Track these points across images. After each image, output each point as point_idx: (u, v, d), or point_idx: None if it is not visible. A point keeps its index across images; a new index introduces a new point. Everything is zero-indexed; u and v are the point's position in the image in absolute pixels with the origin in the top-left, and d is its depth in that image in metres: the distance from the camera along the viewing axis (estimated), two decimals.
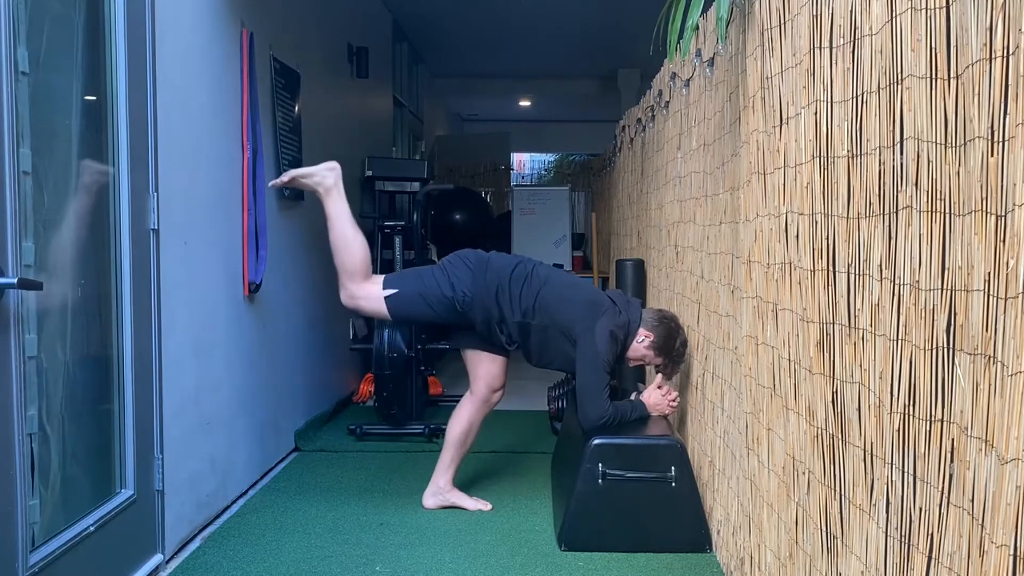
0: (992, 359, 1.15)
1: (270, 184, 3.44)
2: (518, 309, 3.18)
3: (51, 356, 2.28)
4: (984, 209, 1.18)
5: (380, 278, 3.27)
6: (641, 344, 3.24)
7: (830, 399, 1.74)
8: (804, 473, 1.90)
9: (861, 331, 1.58)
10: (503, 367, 3.37)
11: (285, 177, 3.23)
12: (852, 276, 1.62)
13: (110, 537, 2.49)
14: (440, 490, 3.42)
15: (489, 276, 3.20)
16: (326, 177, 3.21)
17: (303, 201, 4.39)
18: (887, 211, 1.47)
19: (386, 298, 3.20)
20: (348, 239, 3.21)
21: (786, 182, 1.98)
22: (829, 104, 1.72)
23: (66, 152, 2.40)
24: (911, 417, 1.40)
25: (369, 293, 3.22)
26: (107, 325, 2.59)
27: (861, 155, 1.58)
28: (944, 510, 1.29)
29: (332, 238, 3.24)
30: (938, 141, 1.31)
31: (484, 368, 3.34)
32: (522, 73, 10.28)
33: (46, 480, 2.25)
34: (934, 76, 1.33)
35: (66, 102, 2.41)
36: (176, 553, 2.91)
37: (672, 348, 3.25)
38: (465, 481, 3.60)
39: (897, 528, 1.45)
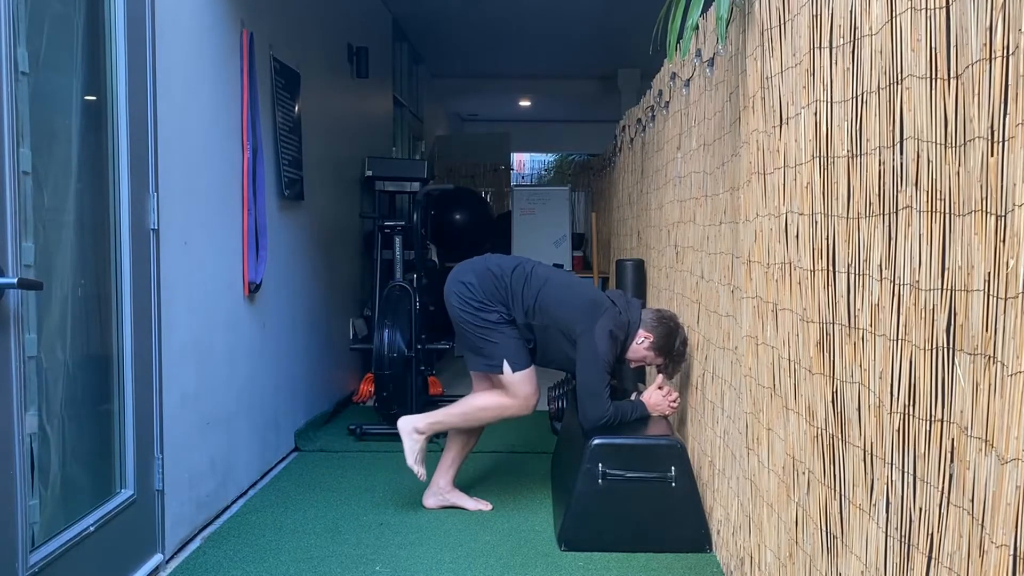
0: (992, 359, 1.15)
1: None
2: (520, 310, 3.18)
3: (51, 356, 2.28)
4: (984, 209, 1.18)
5: (495, 372, 3.22)
6: (641, 345, 3.24)
7: (830, 399, 1.74)
8: (804, 473, 1.90)
9: (861, 331, 1.58)
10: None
11: (420, 470, 3.25)
12: (852, 276, 1.62)
13: (110, 537, 2.49)
14: (440, 490, 3.42)
15: (497, 281, 3.20)
16: (411, 436, 3.24)
17: (303, 201, 4.40)
18: (887, 211, 1.47)
19: (515, 375, 3.17)
20: (469, 414, 3.30)
21: (786, 182, 1.98)
22: (829, 104, 1.72)
23: (66, 152, 2.40)
24: (911, 417, 1.40)
25: (516, 387, 3.19)
26: (107, 325, 2.59)
27: (861, 155, 1.58)
28: (944, 510, 1.29)
29: (469, 426, 3.37)
30: (938, 141, 1.31)
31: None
32: (522, 73, 10.27)
33: (46, 480, 2.25)
34: (934, 76, 1.33)
35: (66, 102, 2.41)
36: (176, 553, 2.91)
37: (672, 348, 3.24)
38: (465, 481, 3.60)
39: (897, 528, 1.45)
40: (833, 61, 1.70)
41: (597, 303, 3.21)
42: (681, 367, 3.33)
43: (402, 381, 4.59)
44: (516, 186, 9.74)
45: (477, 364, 3.27)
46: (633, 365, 3.40)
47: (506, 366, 3.17)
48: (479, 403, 3.29)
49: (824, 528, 1.79)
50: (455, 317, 3.25)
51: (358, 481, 3.77)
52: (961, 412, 1.24)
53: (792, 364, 1.97)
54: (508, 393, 3.20)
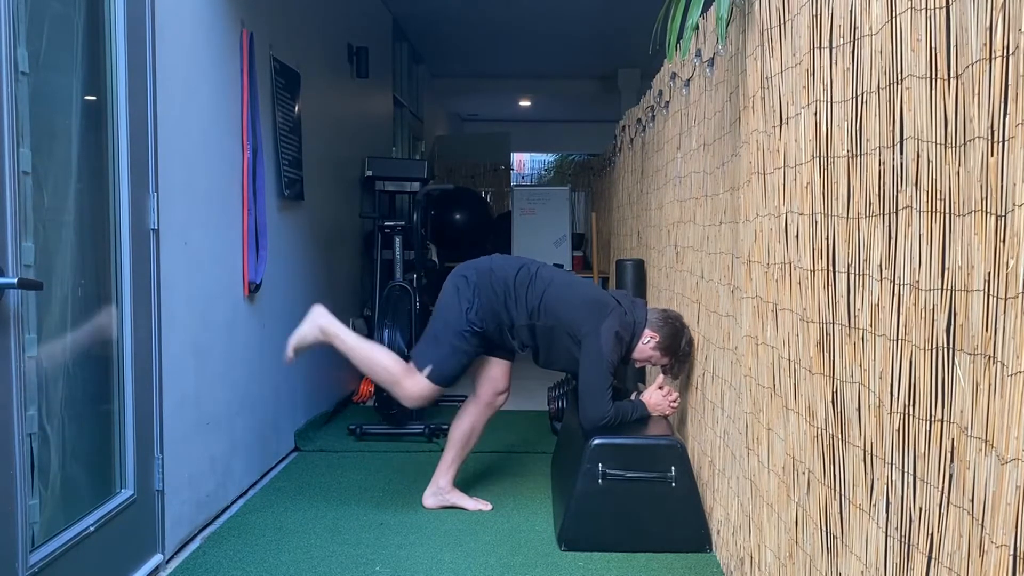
0: (992, 359, 1.15)
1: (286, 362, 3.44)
2: (524, 311, 3.19)
3: (51, 356, 2.28)
4: (984, 209, 1.18)
5: (417, 366, 3.24)
6: (647, 345, 3.24)
7: (830, 399, 1.74)
8: (804, 473, 1.90)
9: (861, 331, 1.58)
10: (507, 371, 3.38)
11: (290, 352, 3.27)
12: (852, 276, 1.62)
13: (110, 537, 2.49)
14: (440, 490, 3.42)
15: (495, 284, 3.21)
16: (314, 327, 3.25)
17: (303, 201, 4.40)
18: (887, 211, 1.47)
19: (425, 380, 3.20)
20: (370, 357, 3.28)
21: (786, 182, 1.98)
22: (829, 104, 1.72)
23: (66, 152, 2.40)
24: (911, 417, 1.40)
25: (417, 384, 3.22)
26: (107, 325, 2.59)
27: (861, 155, 1.58)
28: (944, 510, 1.29)
29: (357, 364, 3.32)
30: (938, 141, 1.31)
31: (488, 371, 3.34)
32: (522, 73, 10.28)
33: (46, 480, 2.25)
34: (934, 76, 1.33)
35: (66, 102, 2.41)
36: (176, 553, 2.90)
37: (678, 348, 3.24)
38: (465, 481, 3.60)
39: (897, 528, 1.45)
40: (833, 61, 1.70)
41: (603, 303, 3.21)
42: (686, 367, 3.34)
43: None
44: (516, 186, 9.73)
45: (416, 347, 3.33)
46: (638, 365, 3.41)
47: (428, 369, 3.20)
48: (383, 361, 3.29)
49: (824, 528, 1.79)
50: (437, 304, 3.31)
51: (358, 481, 3.77)
52: (961, 412, 1.24)
53: (792, 364, 1.97)
54: (409, 377, 3.22)
